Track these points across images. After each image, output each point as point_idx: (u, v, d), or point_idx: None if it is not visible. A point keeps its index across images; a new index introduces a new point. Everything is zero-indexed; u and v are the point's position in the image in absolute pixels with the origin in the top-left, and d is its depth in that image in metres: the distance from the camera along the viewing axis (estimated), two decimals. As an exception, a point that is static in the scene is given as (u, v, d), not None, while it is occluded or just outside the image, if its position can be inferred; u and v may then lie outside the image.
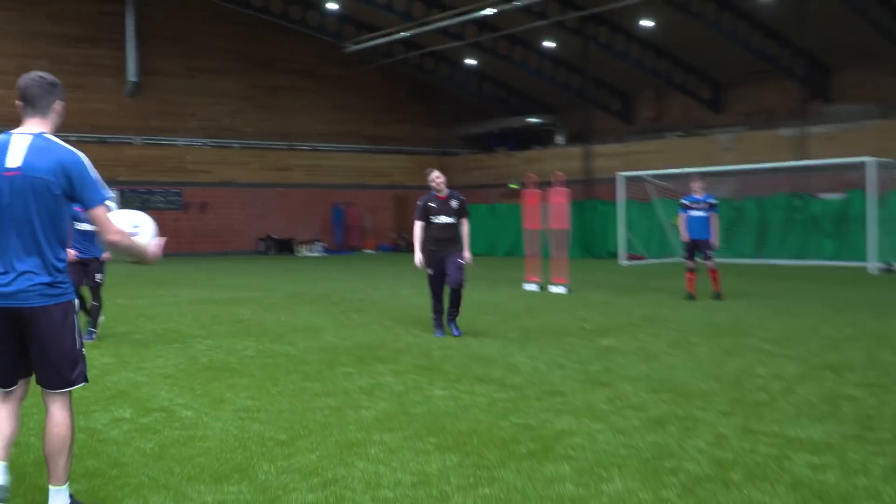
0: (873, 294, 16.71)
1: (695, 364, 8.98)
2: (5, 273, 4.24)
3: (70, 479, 5.16)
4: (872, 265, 23.08)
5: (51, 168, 4.22)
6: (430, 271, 11.36)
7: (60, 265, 4.35)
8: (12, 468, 5.40)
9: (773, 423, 6.37)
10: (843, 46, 32.42)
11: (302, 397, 7.51)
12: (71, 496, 4.44)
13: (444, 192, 11.40)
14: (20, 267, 4.24)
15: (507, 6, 32.48)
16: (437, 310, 11.53)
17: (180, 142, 39.74)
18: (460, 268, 11.14)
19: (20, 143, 4.25)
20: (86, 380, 4.53)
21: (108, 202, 4.41)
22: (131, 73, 38.16)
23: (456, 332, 11.20)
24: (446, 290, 11.40)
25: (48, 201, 4.24)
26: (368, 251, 42.14)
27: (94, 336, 11.00)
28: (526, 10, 33.37)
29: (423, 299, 16.43)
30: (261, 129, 41.84)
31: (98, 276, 11.16)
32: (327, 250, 40.92)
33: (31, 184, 4.20)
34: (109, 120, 38.20)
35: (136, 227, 4.63)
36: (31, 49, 36.64)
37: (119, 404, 7.30)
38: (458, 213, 11.39)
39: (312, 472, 5.30)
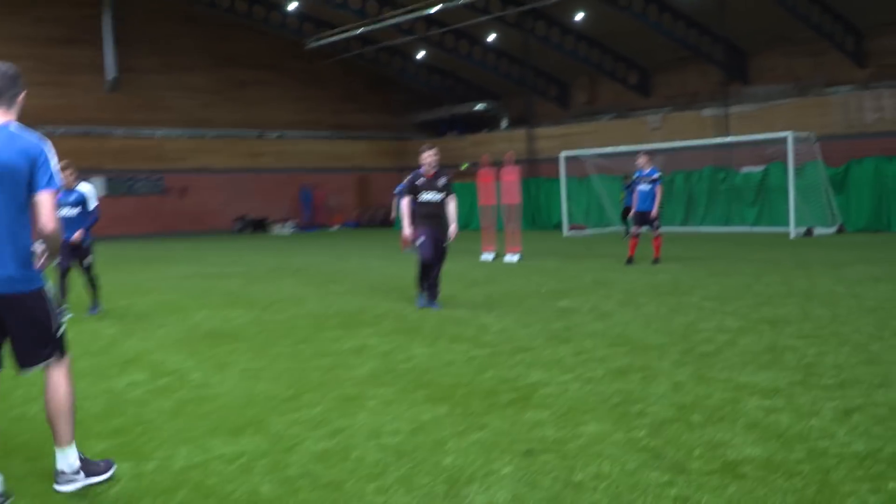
0: (797, 255, 16.90)
1: (645, 321, 9.07)
2: None
3: (99, 437, 5.18)
4: (794, 230, 23.42)
5: (19, 155, 3.96)
6: (420, 239, 10.46)
7: (26, 255, 4.07)
8: (41, 431, 5.37)
9: (723, 371, 6.46)
10: (759, 32, 32.67)
11: (298, 359, 7.50)
12: (81, 457, 4.23)
13: (433, 170, 10.61)
14: None
15: (452, 3, 32.28)
16: (424, 279, 10.73)
17: (159, 132, 39.16)
18: (441, 249, 10.52)
19: None
20: (62, 354, 4.25)
21: (56, 192, 4.09)
22: (110, 71, 37.48)
23: (436, 307, 10.47)
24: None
25: (18, 190, 3.99)
26: (335, 228, 41.91)
27: (97, 310, 10.86)
28: (470, 6, 33.20)
29: (393, 269, 16.47)
30: (231, 119, 41.27)
31: (89, 258, 10.79)
32: (298, 228, 40.62)
33: (1, 174, 3.95)
34: (91, 114, 37.49)
35: None
36: (16, 50, 35.59)
37: (134, 369, 7.24)
38: (445, 191, 10.57)
39: (319, 424, 5.31)
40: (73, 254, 10.59)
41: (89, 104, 37.49)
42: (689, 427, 5.01)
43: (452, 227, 10.59)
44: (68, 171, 10.13)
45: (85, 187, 10.69)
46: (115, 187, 37.23)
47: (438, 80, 45.03)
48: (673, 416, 5.24)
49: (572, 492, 4.00)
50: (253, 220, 39.75)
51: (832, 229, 24.35)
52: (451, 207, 10.68)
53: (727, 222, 27.75)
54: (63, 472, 4.14)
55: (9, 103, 4.10)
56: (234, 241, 32.89)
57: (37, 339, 4.14)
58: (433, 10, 32.94)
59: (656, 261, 15.85)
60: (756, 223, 26.87)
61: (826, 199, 24.93)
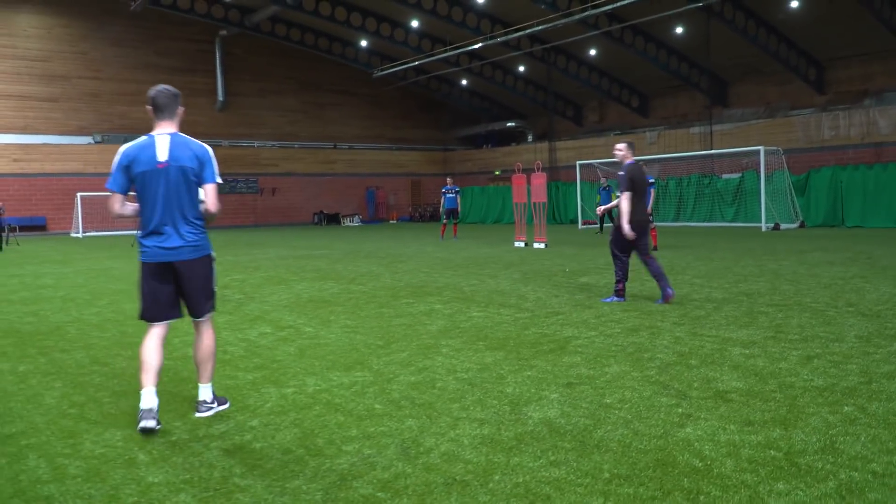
0: (767, 245, 16.97)
1: (650, 292, 9.27)
2: (168, 236, 4.28)
3: (246, 370, 5.60)
4: (764, 225, 23.44)
5: (190, 157, 4.28)
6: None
7: (201, 228, 4.41)
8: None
9: (711, 329, 6.74)
10: (737, 65, 32.56)
11: (383, 318, 7.85)
12: (213, 392, 4.57)
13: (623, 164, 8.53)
14: (176, 231, 4.29)
15: (490, 41, 32.51)
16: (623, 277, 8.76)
17: (256, 143, 39.82)
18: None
19: (163, 142, 4.27)
20: (214, 309, 4.57)
21: (218, 182, 4.45)
22: (219, 94, 38.21)
23: (617, 300, 8.61)
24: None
25: (190, 182, 4.29)
26: (392, 221, 42.36)
27: None
28: (504, 44, 33.40)
29: (444, 253, 16.78)
30: (313, 133, 41.93)
31: None
32: (363, 221, 41.11)
33: (178, 170, 4.25)
34: (204, 128, 38.10)
35: None
36: (144, 76, 36.60)
37: (260, 324, 7.64)
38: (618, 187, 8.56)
39: (408, 364, 5.68)
40: None
41: (202, 121, 38.24)
42: (689, 368, 5.31)
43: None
44: None
45: None
46: (220, 187, 38.01)
47: (477, 103, 45.21)
48: (676, 361, 5.54)
49: (604, 410, 4.35)
50: (327, 214, 40.29)
51: (795, 225, 24.30)
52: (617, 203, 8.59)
53: (710, 219, 27.74)
54: (204, 402, 4.46)
55: (171, 116, 4.35)
56: (314, 230, 33.42)
57: (206, 294, 4.44)
58: (475, 46, 33.16)
59: (654, 248, 16.03)
60: (734, 219, 26.85)
61: (790, 200, 24.87)
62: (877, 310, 7.54)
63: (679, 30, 30.96)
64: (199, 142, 4.44)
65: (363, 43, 38.58)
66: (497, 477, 3.36)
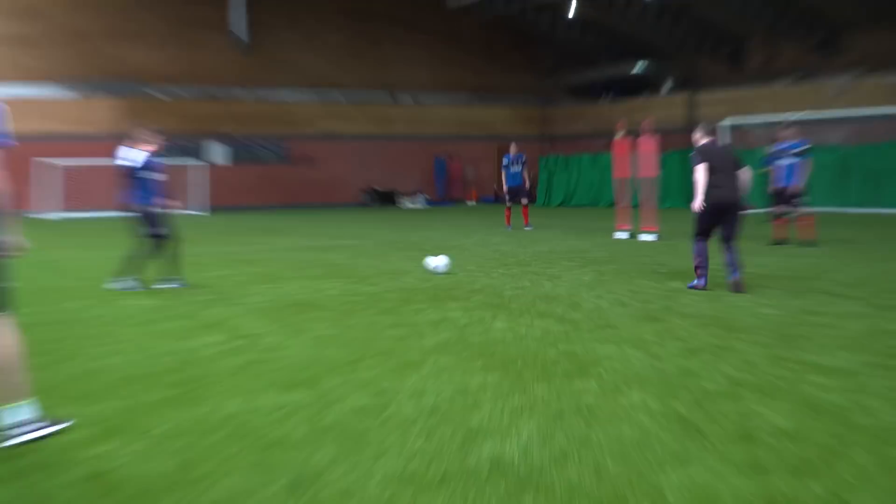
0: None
1: (754, 305, 9.44)
2: None
3: (167, 386, 6.20)
4: None
5: None
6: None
7: None
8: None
9: (804, 352, 6.91)
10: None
11: (373, 329, 8.35)
12: (24, 414, 4.87)
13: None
14: None
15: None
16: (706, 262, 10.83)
17: (285, 95, 40.90)
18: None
19: None
20: (4, 309, 4.86)
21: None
22: (238, 29, 39.46)
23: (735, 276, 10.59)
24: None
25: None
26: (470, 203, 42.80)
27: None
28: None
29: (510, 246, 17.18)
30: (364, 80, 42.64)
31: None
32: (430, 202, 41.77)
33: None
34: (218, 74, 39.58)
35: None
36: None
37: (214, 332, 8.29)
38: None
39: (368, 384, 6.13)
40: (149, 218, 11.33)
41: (215, 65, 39.80)
42: (733, 400, 5.56)
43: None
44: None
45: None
46: (236, 153, 39.20)
47: (592, 40, 44.90)
48: (722, 391, 5.79)
49: (580, 448, 4.65)
50: (380, 192, 41.02)
51: None
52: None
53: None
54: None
55: None
56: (359, 214, 34.29)
57: None
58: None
59: (810, 243, 15.91)
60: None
61: None
62: None
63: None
64: None
65: (432, -44, 39.21)
66: (386, 518, 3.78)
